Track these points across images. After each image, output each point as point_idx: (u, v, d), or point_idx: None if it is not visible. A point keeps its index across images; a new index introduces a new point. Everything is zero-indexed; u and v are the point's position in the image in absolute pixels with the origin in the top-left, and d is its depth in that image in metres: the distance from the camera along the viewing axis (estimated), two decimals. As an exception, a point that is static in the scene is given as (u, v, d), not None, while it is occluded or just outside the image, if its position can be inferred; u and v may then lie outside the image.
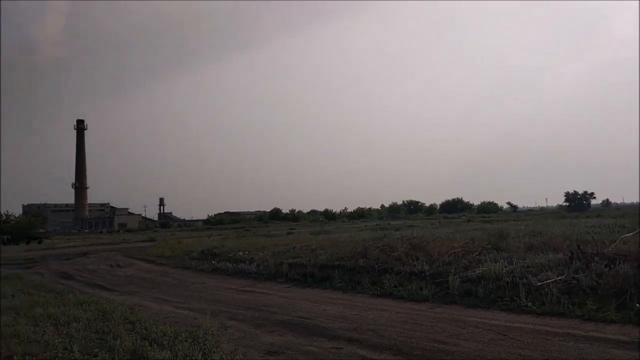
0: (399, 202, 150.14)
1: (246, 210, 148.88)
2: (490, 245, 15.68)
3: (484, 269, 11.71)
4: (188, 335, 7.45)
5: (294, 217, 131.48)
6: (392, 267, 13.48)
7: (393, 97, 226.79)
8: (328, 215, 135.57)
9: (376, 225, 52.41)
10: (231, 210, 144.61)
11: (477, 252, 14.32)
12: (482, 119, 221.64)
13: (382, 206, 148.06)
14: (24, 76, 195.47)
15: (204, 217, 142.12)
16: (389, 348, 7.23)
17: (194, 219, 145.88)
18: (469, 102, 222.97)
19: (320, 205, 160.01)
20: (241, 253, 21.90)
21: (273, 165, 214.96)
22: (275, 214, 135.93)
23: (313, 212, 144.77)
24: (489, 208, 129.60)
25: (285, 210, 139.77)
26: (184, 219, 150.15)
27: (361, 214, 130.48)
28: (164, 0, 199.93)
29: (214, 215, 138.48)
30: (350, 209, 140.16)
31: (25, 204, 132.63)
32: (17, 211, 76.34)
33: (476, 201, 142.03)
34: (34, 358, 6.58)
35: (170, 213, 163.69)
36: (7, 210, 64.80)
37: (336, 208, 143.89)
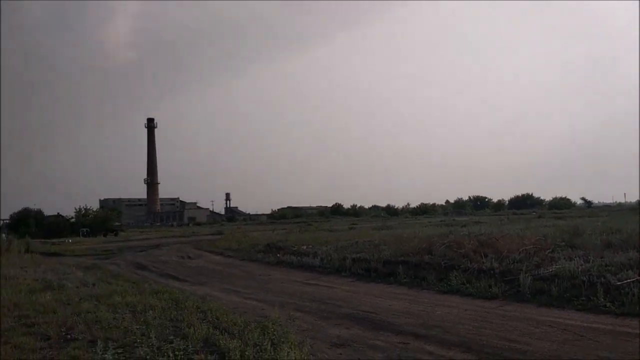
0: (465, 198, 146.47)
1: (308, 205, 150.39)
2: (564, 243, 14.98)
3: (557, 267, 11.25)
4: (257, 325, 7.64)
5: (355, 212, 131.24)
6: (459, 264, 13.21)
7: (461, 92, 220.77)
8: (390, 211, 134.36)
9: (440, 221, 51.40)
10: (293, 205, 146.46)
11: (550, 250, 13.75)
12: (555, 113, 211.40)
13: (447, 202, 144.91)
14: (98, 78, 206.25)
15: (268, 211, 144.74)
16: (458, 345, 7.10)
17: (258, 213, 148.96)
18: (541, 96, 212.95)
19: (382, 201, 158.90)
20: (305, 247, 22.19)
21: (335, 161, 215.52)
22: (337, 209, 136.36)
23: (375, 208, 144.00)
24: (561, 204, 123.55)
25: (346, 205, 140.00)
26: (248, 213, 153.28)
27: (424, 210, 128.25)
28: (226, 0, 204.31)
29: (277, 209, 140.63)
30: (413, 205, 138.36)
31: (102, 198, 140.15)
32: (95, 205, 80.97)
33: (547, 197, 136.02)
34: (115, 343, 6.96)
35: (236, 207, 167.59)
36: (85, 205, 68.51)
37: (398, 204, 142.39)
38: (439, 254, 14.67)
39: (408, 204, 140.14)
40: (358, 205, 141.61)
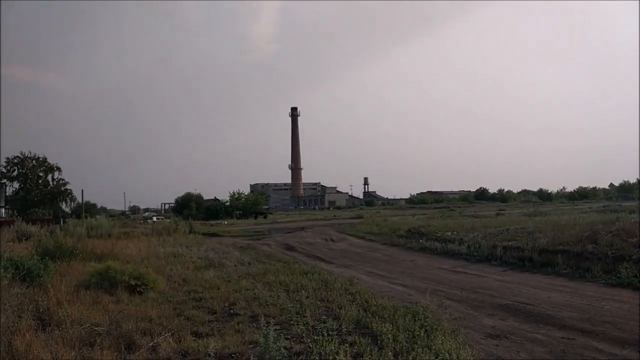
0: (632, 181, 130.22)
1: (449, 190, 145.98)
2: None
3: None
4: (407, 311, 7.57)
5: (503, 197, 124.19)
6: (630, 255, 11.83)
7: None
8: (542, 195, 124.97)
9: (604, 206, 46.40)
10: (433, 190, 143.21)
11: None
12: None
13: (611, 185, 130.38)
14: (247, 71, 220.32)
15: (406, 196, 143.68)
16: (635, 344, 6.34)
17: (397, 197, 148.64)
18: None
19: (533, 184, 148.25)
20: (449, 233, 21.58)
21: (478, 142, 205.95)
22: (482, 194, 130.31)
23: (524, 192, 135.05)
24: None
25: (492, 190, 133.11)
26: (387, 198, 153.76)
27: (583, 194, 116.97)
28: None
29: (417, 194, 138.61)
30: (570, 189, 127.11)
31: (252, 183, 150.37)
32: (246, 190, 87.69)
33: None
34: (273, 320, 7.36)
35: (374, 192, 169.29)
36: (238, 189, 74.28)
37: (552, 187, 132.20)
38: (604, 244, 13.27)
39: (564, 188, 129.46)
40: (505, 189, 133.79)
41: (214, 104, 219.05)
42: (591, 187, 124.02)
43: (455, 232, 21.66)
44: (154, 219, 57.31)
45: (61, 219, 43.18)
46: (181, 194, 78.88)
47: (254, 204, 70.80)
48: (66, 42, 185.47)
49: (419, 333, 6.31)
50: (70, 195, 65.41)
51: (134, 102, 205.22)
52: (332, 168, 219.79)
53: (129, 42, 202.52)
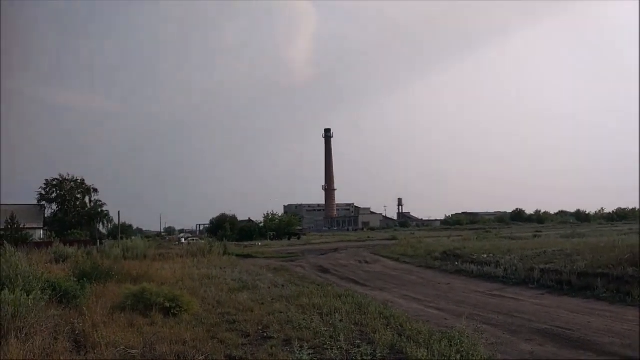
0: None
1: (484, 211, 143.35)
2: None
3: None
4: (442, 336, 7.49)
5: (539, 218, 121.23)
6: (674, 279, 11.41)
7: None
8: (580, 216, 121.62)
9: (644, 228, 44.85)
10: (469, 211, 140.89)
11: None
12: None
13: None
14: (283, 94, 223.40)
15: (441, 217, 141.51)
16: (681, 374, 6.13)
17: (431, 218, 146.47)
18: None
19: (570, 205, 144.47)
20: (485, 255, 21.16)
21: (514, 163, 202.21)
22: (518, 215, 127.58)
23: (562, 214, 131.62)
24: None
25: (529, 211, 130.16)
26: (421, 219, 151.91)
27: (622, 215, 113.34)
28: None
29: (452, 215, 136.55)
30: (608, 210, 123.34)
31: (286, 204, 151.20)
32: (279, 211, 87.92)
33: None
34: (307, 344, 7.39)
35: (409, 213, 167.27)
36: (272, 210, 74.72)
37: (590, 208, 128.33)
38: (647, 267, 12.83)
39: (602, 209, 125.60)
40: (542, 210, 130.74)
41: (251, 125, 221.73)
42: (630, 208, 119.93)
43: (491, 254, 21.18)
44: (183, 240, 57.97)
45: (98, 241, 44.32)
46: (216, 215, 79.26)
47: (287, 225, 70.75)
48: (111, 65, 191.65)
49: (455, 359, 6.25)
50: (107, 217, 67.32)
51: (173, 123, 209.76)
52: (365, 189, 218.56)
53: (169, 64, 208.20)
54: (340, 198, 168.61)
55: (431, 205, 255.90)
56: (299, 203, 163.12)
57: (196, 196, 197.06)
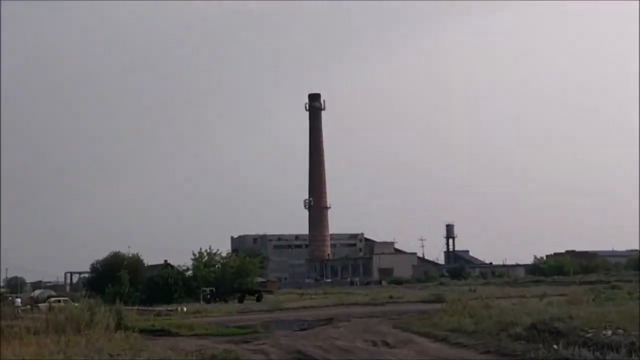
0: None
1: (607, 249, 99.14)
2: None
3: None
4: None
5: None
6: None
7: None
8: None
9: None
10: (579, 249, 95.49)
11: None
12: None
13: None
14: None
15: (528, 260, 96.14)
16: None
17: (508, 263, 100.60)
18: None
19: None
20: (609, 332, 15.44)
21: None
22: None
23: None
24: None
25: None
26: (490, 263, 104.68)
27: None
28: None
29: (546, 257, 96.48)
30: None
31: (235, 235, 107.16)
32: (224, 247, 57.66)
33: None
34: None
35: (466, 251, 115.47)
36: (209, 247, 49.78)
37: None
38: None
39: None
40: None
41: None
42: None
43: (620, 330, 15.59)
44: (43, 303, 37.10)
45: None
46: (103, 255, 49.66)
47: (238, 275, 46.65)
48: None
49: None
50: None
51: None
52: (385, 208, 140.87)
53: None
54: (339, 223, 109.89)
55: (508, 239, 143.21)
56: (261, 233, 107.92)
57: (66, 221, 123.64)
